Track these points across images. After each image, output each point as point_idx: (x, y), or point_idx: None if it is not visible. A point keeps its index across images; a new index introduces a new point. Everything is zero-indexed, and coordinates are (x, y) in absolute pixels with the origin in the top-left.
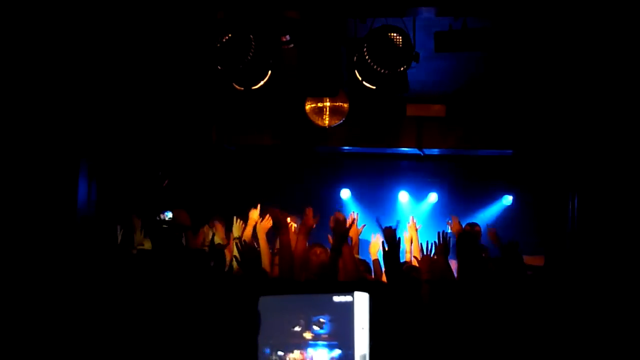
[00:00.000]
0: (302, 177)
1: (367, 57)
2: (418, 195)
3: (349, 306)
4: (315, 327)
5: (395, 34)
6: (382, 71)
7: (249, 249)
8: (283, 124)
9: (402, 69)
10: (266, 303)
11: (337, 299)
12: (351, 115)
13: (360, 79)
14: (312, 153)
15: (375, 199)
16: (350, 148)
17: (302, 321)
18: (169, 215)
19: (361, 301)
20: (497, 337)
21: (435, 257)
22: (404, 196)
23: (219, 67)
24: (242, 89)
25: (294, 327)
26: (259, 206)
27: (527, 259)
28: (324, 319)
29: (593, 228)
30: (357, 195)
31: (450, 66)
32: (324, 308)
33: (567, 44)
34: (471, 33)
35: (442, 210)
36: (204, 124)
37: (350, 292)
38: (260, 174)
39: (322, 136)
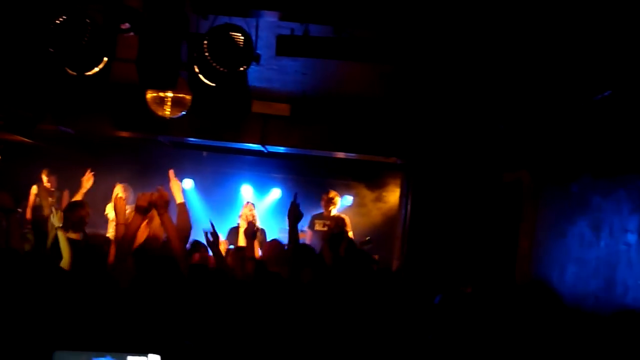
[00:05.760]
0: (143, 166)
1: (206, 54)
2: (261, 189)
3: None
4: None
5: (236, 34)
6: (222, 70)
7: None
8: (124, 110)
9: (241, 69)
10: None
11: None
12: (195, 107)
13: (199, 74)
14: (153, 142)
15: (218, 191)
16: (194, 140)
17: None
18: None
19: None
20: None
21: None
22: (247, 190)
23: (51, 50)
24: (75, 74)
25: None
26: None
27: None
28: None
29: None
30: (200, 187)
31: (295, 66)
32: None
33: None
34: (312, 41)
35: (286, 206)
36: (39, 103)
37: (144, 354)
38: (97, 160)
39: (164, 126)
